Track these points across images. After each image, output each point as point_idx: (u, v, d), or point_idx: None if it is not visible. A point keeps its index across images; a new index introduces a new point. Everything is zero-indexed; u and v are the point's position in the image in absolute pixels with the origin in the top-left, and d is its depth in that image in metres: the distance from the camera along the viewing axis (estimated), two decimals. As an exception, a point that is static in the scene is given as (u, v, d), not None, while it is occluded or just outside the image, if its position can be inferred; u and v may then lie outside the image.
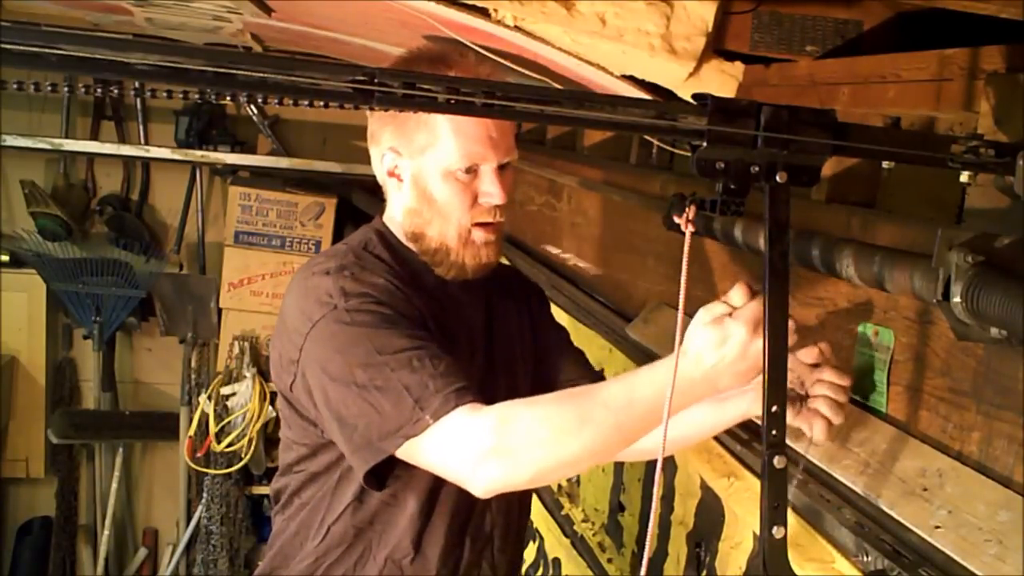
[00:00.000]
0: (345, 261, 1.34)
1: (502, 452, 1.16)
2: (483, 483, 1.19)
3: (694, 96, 1.08)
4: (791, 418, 1.29)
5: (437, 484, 1.33)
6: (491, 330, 1.47)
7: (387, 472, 1.27)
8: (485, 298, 1.47)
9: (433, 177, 1.33)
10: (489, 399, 1.20)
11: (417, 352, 1.22)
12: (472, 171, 1.33)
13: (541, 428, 1.16)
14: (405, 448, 1.21)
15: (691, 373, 1.12)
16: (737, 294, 1.14)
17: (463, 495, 1.37)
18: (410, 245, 1.41)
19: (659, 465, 1.13)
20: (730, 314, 1.12)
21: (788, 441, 1.26)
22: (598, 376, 1.64)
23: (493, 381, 1.41)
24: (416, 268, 1.40)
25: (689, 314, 1.13)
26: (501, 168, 1.35)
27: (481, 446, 1.16)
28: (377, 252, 1.39)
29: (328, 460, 1.37)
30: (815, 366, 1.29)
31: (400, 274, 1.36)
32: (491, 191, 1.34)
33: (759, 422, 1.15)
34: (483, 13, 1.50)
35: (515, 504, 1.49)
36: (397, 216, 1.41)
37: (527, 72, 1.78)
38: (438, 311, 1.38)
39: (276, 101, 0.90)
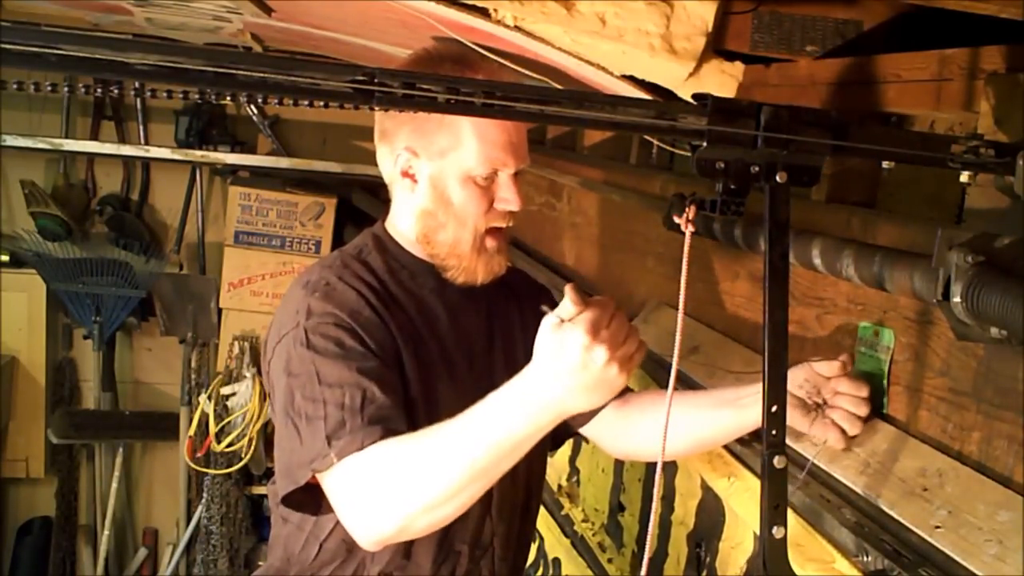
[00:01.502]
0: (327, 274, 1.34)
1: (369, 503, 1.16)
2: (361, 537, 1.18)
3: (694, 96, 1.08)
4: (807, 427, 1.29)
5: None
6: (492, 335, 1.45)
7: (320, 498, 1.25)
8: (487, 302, 1.45)
9: (452, 180, 1.33)
10: None
11: (352, 389, 1.20)
12: (491, 176, 1.33)
13: (400, 475, 1.14)
14: (321, 481, 1.21)
15: (533, 386, 1.08)
16: (566, 303, 1.06)
17: None
18: (411, 249, 1.41)
19: (659, 465, 1.13)
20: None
21: (794, 445, 1.26)
22: None
23: (492, 387, 1.40)
24: (416, 271, 1.40)
25: (689, 314, 1.12)
26: (515, 175, 1.35)
27: (358, 497, 1.17)
28: (369, 259, 1.38)
29: None
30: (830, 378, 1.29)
31: (387, 284, 1.35)
32: (508, 197, 1.35)
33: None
34: (483, 13, 1.50)
35: (518, 511, 1.48)
36: (405, 217, 1.40)
37: (527, 72, 1.78)
38: (432, 318, 1.38)
39: (276, 101, 0.90)
